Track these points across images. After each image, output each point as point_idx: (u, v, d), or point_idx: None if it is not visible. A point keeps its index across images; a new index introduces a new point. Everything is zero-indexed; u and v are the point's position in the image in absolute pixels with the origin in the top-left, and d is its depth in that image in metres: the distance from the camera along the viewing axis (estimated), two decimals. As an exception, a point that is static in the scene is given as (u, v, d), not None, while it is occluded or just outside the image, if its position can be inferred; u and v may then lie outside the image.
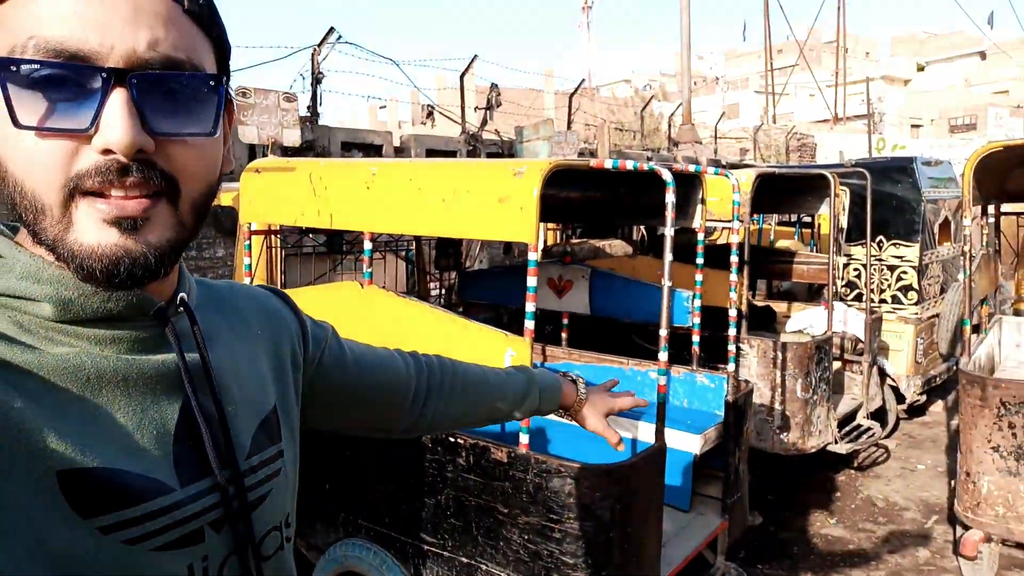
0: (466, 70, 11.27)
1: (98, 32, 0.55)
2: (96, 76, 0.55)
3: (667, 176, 2.44)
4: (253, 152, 6.78)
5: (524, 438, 2.33)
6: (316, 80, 8.98)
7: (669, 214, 2.42)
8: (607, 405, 1.30)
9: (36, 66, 0.53)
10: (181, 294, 0.70)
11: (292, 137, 3.42)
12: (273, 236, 3.32)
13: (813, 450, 4.22)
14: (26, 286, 0.60)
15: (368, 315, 2.69)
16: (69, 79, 0.54)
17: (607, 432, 1.28)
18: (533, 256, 2.25)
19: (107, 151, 0.55)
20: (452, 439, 2.49)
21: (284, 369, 0.86)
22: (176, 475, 0.64)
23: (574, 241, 5.00)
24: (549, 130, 8.89)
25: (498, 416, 1.23)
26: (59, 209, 0.57)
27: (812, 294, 6.29)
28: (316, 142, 9.19)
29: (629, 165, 2.55)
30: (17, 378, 0.56)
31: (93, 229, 0.57)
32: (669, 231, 2.45)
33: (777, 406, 4.13)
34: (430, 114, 11.30)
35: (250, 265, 3.14)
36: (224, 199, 3.43)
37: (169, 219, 0.61)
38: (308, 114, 9.49)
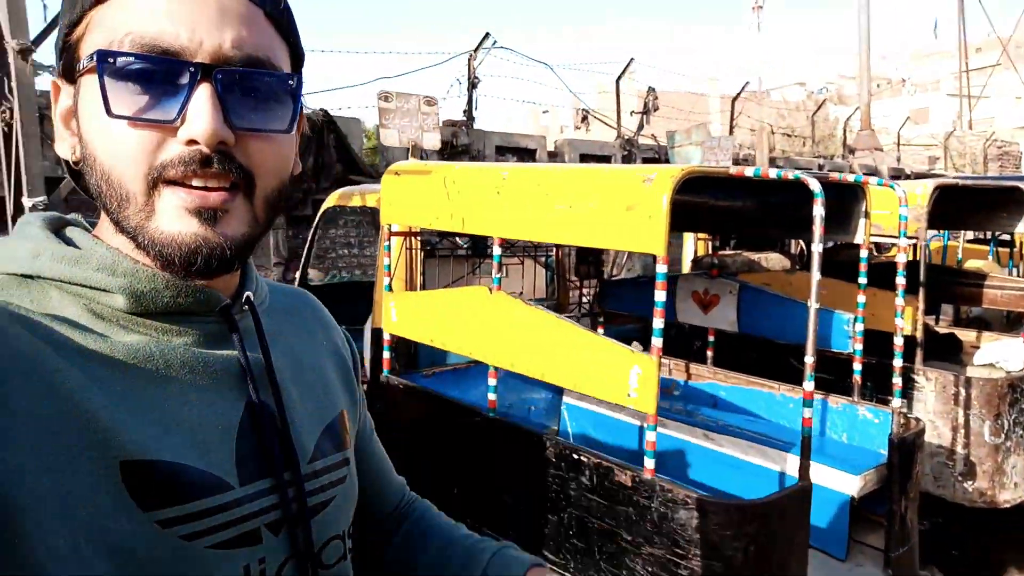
0: (622, 73, 11.08)
1: (188, 29, 0.58)
2: (184, 70, 0.58)
3: (814, 186, 2.18)
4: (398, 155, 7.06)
5: (650, 462, 2.16)
6: (472, 85, 9.20)
7: (817, 228, 2.16)
8: None
9: (131, 59, 0.57)
10: (247, 292, 0.71)
11: (432, 140, 3.47)
12: (413, 237, 3.36)
13: (1008, 505, 3.65)
14: (101, 277, 0.61)
15: (494, 321, 2.63)
16: (159, 72, 0.57)
17: None
18: (662, 268, 2.09)
19: (191, 142, 0.58)
20: (576, 455, 2.38)
21: (350, 380, 0.87)
22: (236, 472, 0.64)
23: (725, 253, 4.70)
24: (702, 135, 8.51)
25: None
26: (143, 197, 0.59)
27: (1009, 323, 5.52)
28: (471, 146, 9.42)
29: (772, 174, 2.31)
30: (89, 364, 0.58)
31: (174, 218, 0.59)
32: (818, 247, 2.19)
33: (960, 449, 3.61)
34: (585, 118, 11.22)
35: (389, 265, 3.19)
36: (369, 200, 3.52)
37: (245, 213, 0.63)
38: (464, 118, 9.76)
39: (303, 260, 4.02)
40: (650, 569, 2.15)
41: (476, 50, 9.83)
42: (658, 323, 2.13)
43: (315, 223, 3.93)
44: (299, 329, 0.81)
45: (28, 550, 0.51)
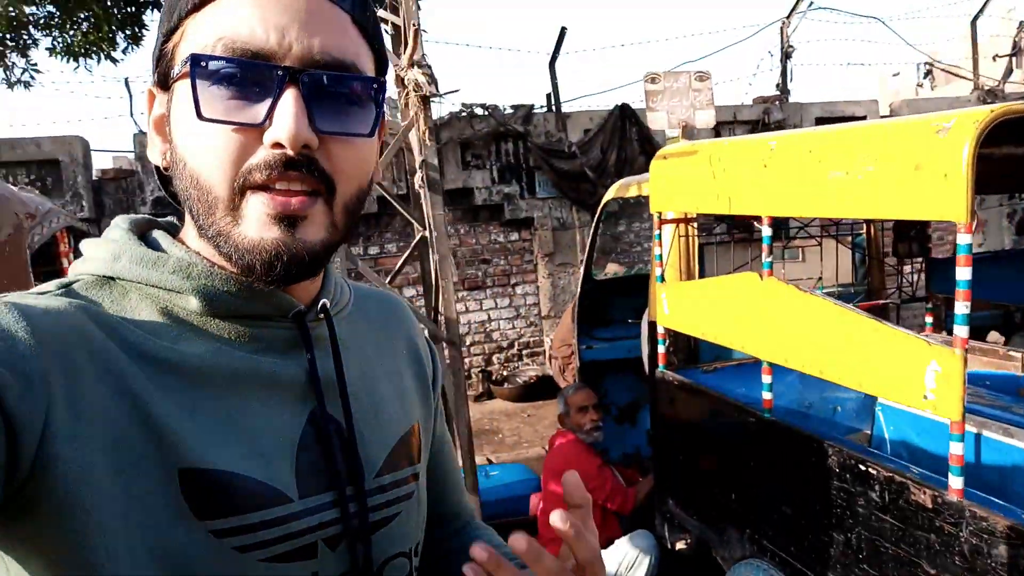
0: (980, 11, 9.22)
1: (277, 34, 0.58)
2: (273, 73, 0.58)
3: None
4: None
5: (956, 480, 1.74)
6: (785, 55, 8.46)
7: None
8: None
9: (222, 63, 0.58)
10: (323, 300, 0.70)
11: (706, 118, 3.22)
12: (687, 224, 3.19)
13: None
14: (176, 279, 0.62)
15: (766, 310, 2.36)
16: (249, 76, 0.58)
17: None
18: (965, 239, 1.67)
19: (276, 144, 0.58)
20: (863, 466, 2.03)
21: (427, 390, 0.85)
22: (296, 485, 0.63)
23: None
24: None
25: None
26: (229, 203, 0.60)
27: None
28: (786, 121, 8.67)
29: None
30: (156, 369, 0.59)
31: (257, 224, 0.60)
32: None
33: None
34: (928, 73, 9.60)
35: (660, 256, 3.07)
36: (644, 188, 3.43)
37: (324, 219, 0.62)
38: (778, 92, 9.02)
39: (586, 257, 4.07)
40: (962, 614, 1.73)
41: (789, 16, 9.03)
42: (961, 307, 1.72)
43: (596, 217, 3.96)
44: (379, 336, 0.80)
45: (89, 549, 0.52)
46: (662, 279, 3.08)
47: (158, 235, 0.68)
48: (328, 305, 0.70)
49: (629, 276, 4.70)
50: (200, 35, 0.60)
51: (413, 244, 2.96)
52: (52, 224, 1.98)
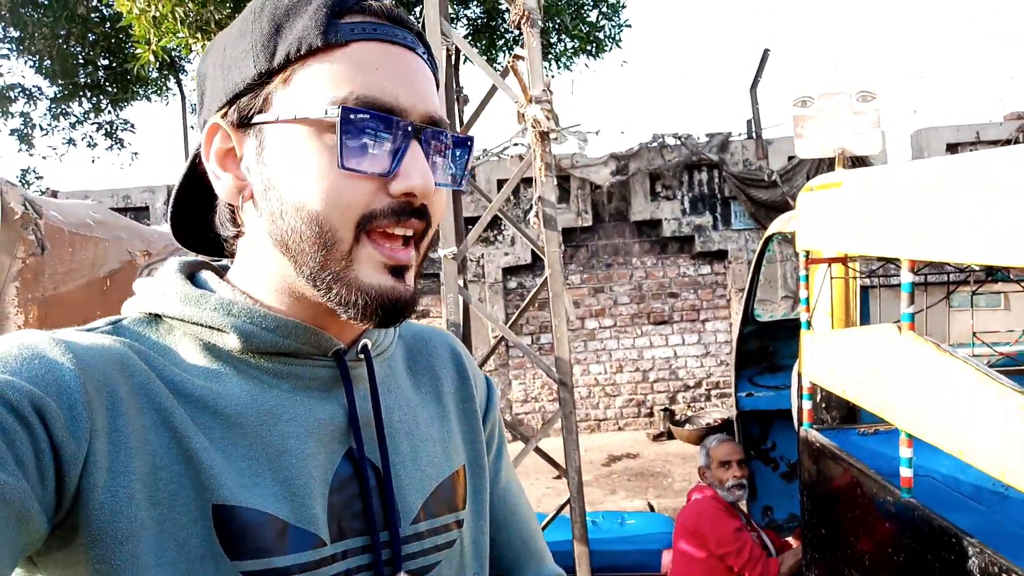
0: None
1: (404, 91, 0.62)
2: (400, 129, 0.62)
3: None
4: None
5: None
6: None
7: None
8: None
9: (364, 115, 0.60)
10: (364, 340, 0.70)
11: (869, 144, 2.75)
12: (844, 265, 2.80)
13: None
14: (217, 316, 0.64)
15: (905, 370, 1.98)
16: (383, 130, 0.61)
17: None
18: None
19: (408, 194, 0.62)
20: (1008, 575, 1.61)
21: (476, 428, 0.82)
22: (329, 527, 0.63)
23: None
24: None
25: None
26: (347, 245, 0.61)
27: None
28: (1045, 142, 7.36)
29: None
30: (195, 406, 0.60)
31: (372, 271, 0.62)
32: None
33: None
34: None
35: (807, 300, 2.73)
36: (792, 225, 3.09)
37: (416, 266, 0.66)
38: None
39: (746, 296, 3.75)
40: None
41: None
42: None
43: (758, 253, 3.63)
44: (423, 377, 0.80)
45: None
46: (808, 326, 2.73)
47: (206, 275, 0.70)
48: (369, 346, 0.70)
49: (797, 319, 4.25)
50: (328, 86, 0.60)
51: (541, 282, 2.92)
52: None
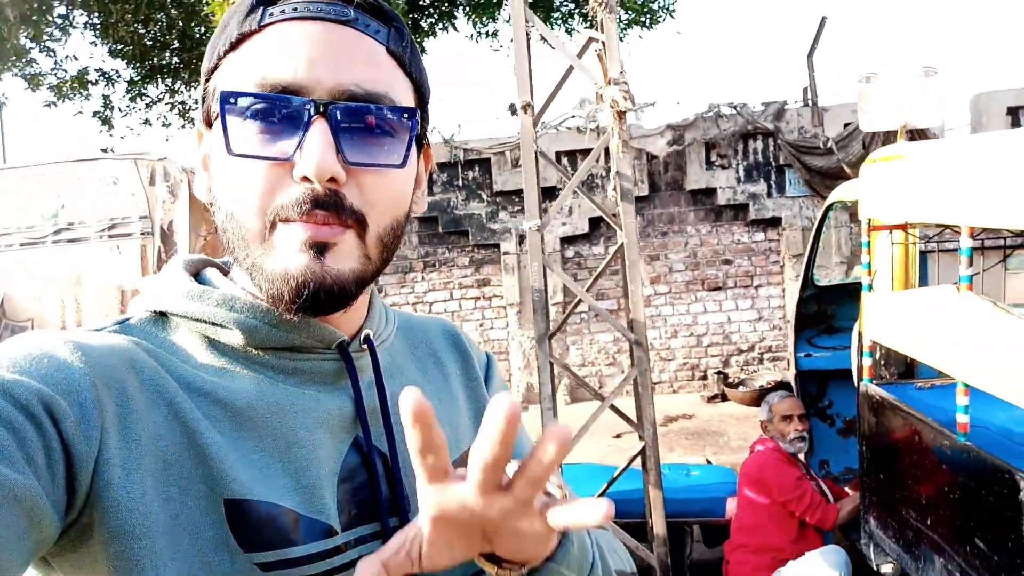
0: None
1: (307, 68, 0.59)
2: (301, 107, 0.58)
3: None
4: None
5: None
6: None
7: None
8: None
9: (250, 98, 0.58)
10: (367, 331, 0.70)
11: (930, 119, 2.87)
12: (904, 231, 2.98)
13: None
14: (220, 312, 0.63)
15: (963, 327, 2.20)
16: (278, 110, 0.58)
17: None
18: None
19: (305, 179, 0.58)
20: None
21: (483, 407, 0.80)
22: (339, 517, 0.63)
23: None
24: None
25: None
26: (260, 235, 0.60)
27: None
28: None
29: None
30: (203, 401, 0.60)
31: (287, 254, 0.59)
32: None
33: None
34: None
35: (868, 264, 2.93)
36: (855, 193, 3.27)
37: (355, 250, 0.61)
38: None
39: (806, 260, 3.93)
40: None
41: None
42: None
43: (818, 220, 3.81)
44: (426, 364, 0.80)
45: (139, 574, 0.53)
46: (869, 288, 2.93)
47: (210, 272, 0.70)
48: (371, 336, 0.70)
49: (855, 282, 4.41)
50: (234, 73, 0.61)
51: (616, 249, 3.17)
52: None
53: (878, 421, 2.92)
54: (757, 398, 7.27)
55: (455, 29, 8.83)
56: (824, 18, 7.48)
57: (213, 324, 0.63)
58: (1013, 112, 7.38)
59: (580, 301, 3.20)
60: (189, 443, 0.57)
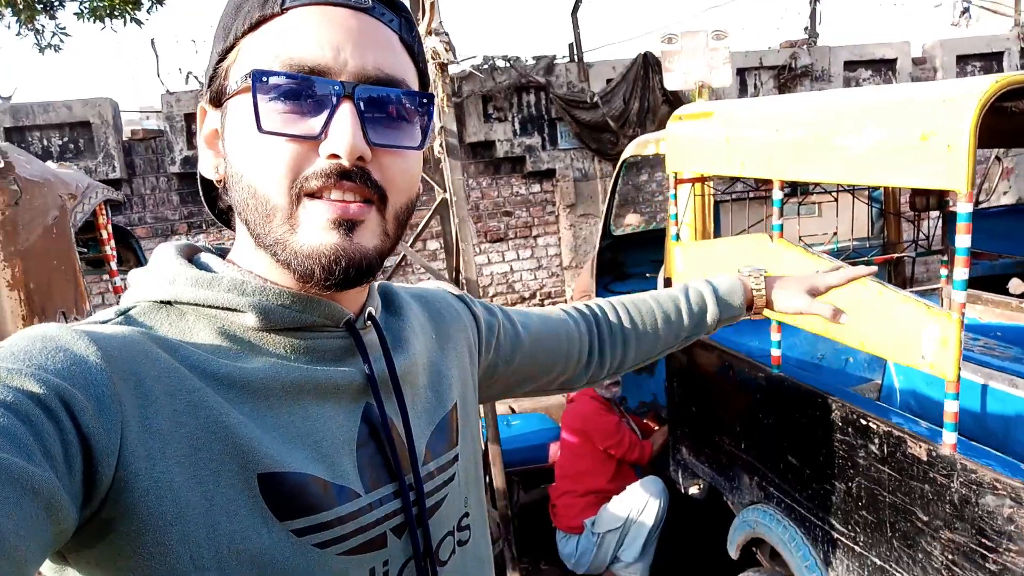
0: (1020, -55, 8.83)
1: (333, 51, 0.61)
2: (329, 88, 0.61)
3: None
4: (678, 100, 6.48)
5: (950, 435, 1.84)
6: (814, -2, 8.24)
7: None
8: (811, 283, 1.26)
9: (281, 77, 0.60)
10: (370, 308, 0.74)
11: (723, 78, 3.20)
12: (703, 184, 3.23)
13: None
14: (232, 297, 0.65)
15: (775, 270, 2.43)
16: (306, 90, 0.61)
17: (812, 307, 1.21)
18: (965, 208, 1.72)
19: (333, 156, 0.61)
20: (865, 421, 2.12)
21: (464, 367, 0.88)
22: (361, 480, 0.66)
23: None
24: None
25: (684, 336, 1.23)
26: (286, 211, 0.62)
27: None
28: (813, 66, 8.50)
29: None
30: (222, 387, 0.61)
31: (316, 230, 0.62)
32: None
33: None
34: (965, 11, 9.28)
35: (676, 215, 3.13)
36: (661, 147, 3.47)
37: (377, 227, 0.65)
38: (806, 36, 8.81)
39: (605, 212, 4.14)
40: (950, 557, 1.85)
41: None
42: (960, 273, 1.78)
43: (615, 174, 4.01)
44: (415, 327, 0.82)
45: (174, 559, 0.54)
46: (676, 237, 3.15)
47: (207, 258, 0.71)
48: (375, 313, 0.74)
49: (647, 231, 4.76)
50: (258, 53, 0.62)
51: (435, 206, 3.05)
52: (91, 200, 2.10)
53: (690, 359, 3.18)
54: (542, 343, 7.66)
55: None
56: (586, -24, 7.79)
57: (225, 309, 0.65)
58: (741, 72, 8.36)
59: (404, 257, 3.05)
60: (213, 426, 0.58)
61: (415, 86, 0.67)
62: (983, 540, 1.76)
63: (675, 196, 3.13)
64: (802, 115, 2.27)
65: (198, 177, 0.75)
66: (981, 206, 4.59)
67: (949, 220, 3.58)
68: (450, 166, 2.89)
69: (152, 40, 7.30)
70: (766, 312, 1.31)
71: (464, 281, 3.00)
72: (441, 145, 2.84)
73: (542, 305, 8.35)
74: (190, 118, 6.96)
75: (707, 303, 1.24)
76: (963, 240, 1.75)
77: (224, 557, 0.56)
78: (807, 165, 2.24)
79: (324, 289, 0.64)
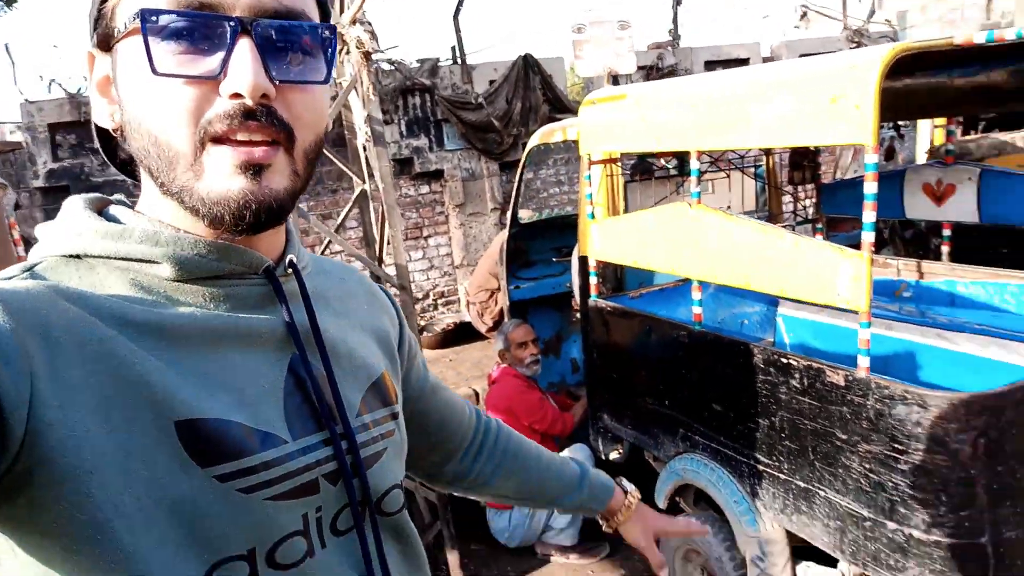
0: (845, -42, 9.90)
1: None
2: (224, 25, 0.58)
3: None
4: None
5: (864, 360, 2.10)
6: (676, 1, 8.84)
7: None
8: (659, 524, 1.22)
9: (172, 16, 0.57)
10: (290, 256, 0.72)
11: (628, 65, 3.45)
12: (613, 164, 3.44)
13: None
14: (145, 248, 0.63)
15: (696, 235, 2.66)
16: (200, 28, 0.58)
17: (649, 551, 1.19)
18: (872, 159, 1.98)
19: (235, 95, 0.58)
20: (785, 360, 2.37)
21: (390, 346, 0.87)
22: (287, 428, 0.66)
23: (969, 138, 4.19)
24: (942, 8, 7.36)
25: (540, 501, 1.16)
26: (190, 157, 0.59)
27: None
28: (678, 66, 9.10)
29: (1010, 36, 2.04)
30: (137, 335, 0.59)
31: (222, 176, 0.60)
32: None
33: None
34: (804, 15, 10.26)
35: (591, 195, 3.32)
36: (570, 133, 3.65)
37: (286, 167, 0.63)
38: (670, 38, 9.43)
39: (512, 202, 4.28)
40: (867, 466, 2.12)
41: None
42: (868, 216, 2.04)
43: (521, 163, 4.16)
44: (340, 292, 0.82)
45: (95, 508, 0.54)
46: (592, 216, 3.33)
47: (116, 210, 0.68)
48: (296, 260, 0.72)
49: (547, 219, 4.97)
50: None
51: (355, 197, 3.06)
52: None
53: (610, 329, 3.37)
54: (441, 341, 7.70)
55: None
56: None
57: (139, 261, 0.63)
58: (709, 65, 8.78)
59: (330, 243, 3.04)
60: (127, 373, 0.57)
61: (316, 19, 0.65)
62: (895, 445, 2.03)
63: (589, 177, 3.32)
64: (716, 91, 2.50)
65: (92, 127, 0.71)
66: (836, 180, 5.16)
67: (822, 191, 4.00)
68: (376, 154, 2.92)
69: (6, 45, 6.72)
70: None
71: (396, 267, 3.03)
72: (367, 134, 2.87)
73: (436, 307, 8.40)
74: (54, 128, 6.48)
75: (581, 485, 1.15)
76: (871, 187, 2.02)
77: (146, 505, 0.55)
78: (724, 135, 2.47)
79: (236, 234, 0.63)
